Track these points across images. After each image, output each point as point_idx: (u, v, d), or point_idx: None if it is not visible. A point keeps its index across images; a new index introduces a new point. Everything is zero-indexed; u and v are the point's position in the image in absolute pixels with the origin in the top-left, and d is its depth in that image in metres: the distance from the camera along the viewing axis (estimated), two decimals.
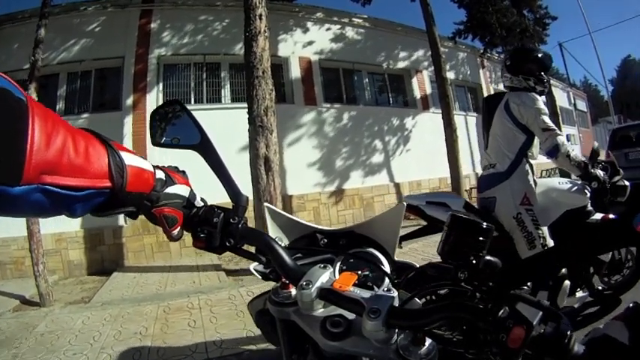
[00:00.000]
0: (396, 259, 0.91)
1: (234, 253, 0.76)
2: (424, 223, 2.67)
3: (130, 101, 7.91)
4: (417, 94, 12.23)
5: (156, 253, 7.53)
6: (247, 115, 5.86)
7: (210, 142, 0.78)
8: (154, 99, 8.09)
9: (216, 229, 0.73)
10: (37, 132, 0.45)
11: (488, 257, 0.62)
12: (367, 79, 11.57)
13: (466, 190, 10.92)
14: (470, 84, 15.18)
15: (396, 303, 0.59)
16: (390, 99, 12.01)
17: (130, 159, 0.62)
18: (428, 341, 0.56)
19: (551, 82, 16.72)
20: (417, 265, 0.86)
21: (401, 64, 12.19)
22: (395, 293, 0.59)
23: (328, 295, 0.61)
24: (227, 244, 0.74)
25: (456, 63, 14.60)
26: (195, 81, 8.92)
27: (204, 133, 0.78)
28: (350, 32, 11.33)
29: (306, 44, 10.30)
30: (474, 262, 0.60)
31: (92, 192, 0.55)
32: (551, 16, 16.37)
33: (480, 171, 11.46)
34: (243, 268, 6.10)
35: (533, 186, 2.61)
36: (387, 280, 0.80)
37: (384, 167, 10.75)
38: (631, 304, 0.58)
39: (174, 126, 0.81)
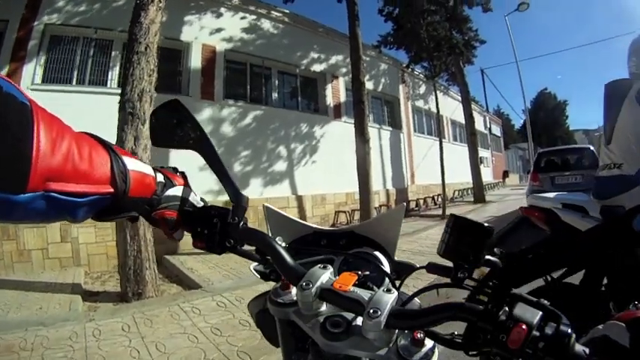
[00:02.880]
0: (396, 259, 0.92)
1: (234, 253, 0.78)
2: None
3: (4, 71, 6.70)
4: (331, 101, 12.05)
5: (16, 263, 6.54)
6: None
7: (209, 142, 0.79)
8: (31, 72, 7.07)
9: (215, 230, 0.75)
10: (43, 138, 0.47)
11: (488, 257, 0.62)
12: (277, 79, 11.12)
13: (375, 208, 10.80)
14: (388, 97, 15.40)
15: (396, 303, 0.59)
16: (300, 103, 11.68)
17: (132, 164, 0.64)
18: (428, 342, 0.58)
19: (471, 105, 17.49)
20: (417, 265, 0.85)
21: (317, 67, 11.94)
22: (395, 293, 0.59)
23: (328, 295, 0.62)
24: (227, 244, 0.76)
25: (376, 73, 14.71)
26: (80, 57, 7.86)
27: (203, 133, 0.79)
28: (266, 25, 10.86)
29: (213, 31, 9.59)
30: (475, 262, 0.60)
31: (96, 198, 0.57)
32: (480, 39, 17.08)
33: (390, 187, 11.39)
34: (107, 291, 5.46)
35: None
36: (387, 280, 0.79)
37: (286, 177, 10.33)
38: (631, 306, 0.60)
39: (173, 126, 0.81)
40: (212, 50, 9.42)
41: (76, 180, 0.52)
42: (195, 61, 9.10)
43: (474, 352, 0.56)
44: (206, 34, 9.42)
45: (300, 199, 10.37)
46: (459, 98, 18.73)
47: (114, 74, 8.10)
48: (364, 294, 0.59)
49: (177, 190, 0.77)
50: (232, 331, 3.57)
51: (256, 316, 0.86)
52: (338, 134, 11.52)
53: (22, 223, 0.52)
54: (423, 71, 17.10)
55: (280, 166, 10.26)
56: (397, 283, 0.81)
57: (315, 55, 11.95)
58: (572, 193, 2.64)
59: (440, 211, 12.18)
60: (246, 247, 0.79)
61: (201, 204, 0.81)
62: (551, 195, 2.52)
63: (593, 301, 2.19)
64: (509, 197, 18.30)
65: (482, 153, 23.86)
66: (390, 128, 15.07)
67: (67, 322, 3.97)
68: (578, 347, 0.49)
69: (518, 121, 59.40)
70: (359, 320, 0.59)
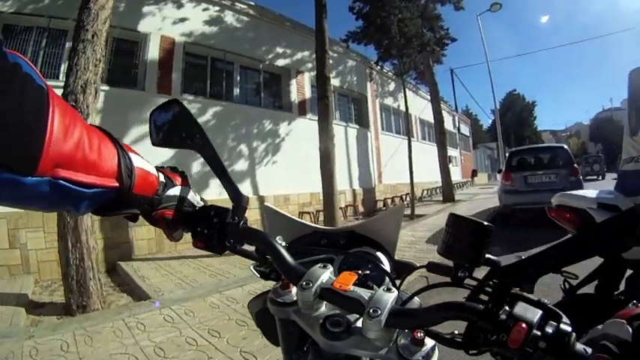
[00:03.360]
0: (396, 258, 0.94)
1: (234, 253, 0.79)
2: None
3: None
4: (295, 98, 11.85)
5: None
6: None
7: (209, 141, 0.80)
8: None
9: (215, 229, 0.76)
10: (57, 123, 0.47)
11: (488, 256, 0.61)
12: (239, 74, 10.82)
13: (341, 208, 10.67)
14: (355, 94, 15.36)
15: (397, 302, 0.60)
16: (263, 99, 11.43)
17: (138, 161, 0.66)
18: (428, 341, 0.58)
19: (440, 104, 17.61)
20: (417, 265, 0.85)
21: (281, 62, 11.72)
22: (395, 292, 0.60)
23: (328, 294, 0.62)
24: (227, 243, 0.77)
25: (343, 70, 14.62)
26: (32, 49, 7.39)
27: (202, 133, 0.80)
28: (230, 18, 10.56)
29: (173, 23, 9.21)
30: (475, 261, 0.60)
31: (101, 191, 0.57)
32: (451, 37, 17.15)
33: (357, 187, 11.16)
34: (54, 302, 5.10)
35: None
36: (387, 279, 0.82)
37: (247, 177, 10.07)
38: (631, 305, 0.66)
39: (173, 125, 0.84)
40: (171, 42, 9.04)
41: (85, 170, 0.53)
42: (153, 53, 8.70)
43: (475, 352, 0.56)
44: (165, 26, 9.04)
45: (261, 200, 10.07)
46: (428, 97, 18.88)
47: (66, 66, 7.68)
48: (364, 293, 0.60)
49: (177, 190, 0.78)
50: (177, 351, 3.32)
51: (256, 315, 0.86)
52: (302, 132, 11.32)
53: (22, 207, 0.53)
54: (391, 68, 17.11)
55: (241, 165, 9.98)
56: (397, 282, 0.81)
57: (281, 50, 11.72)
58: (604, 190, 2.48)
59: (408, 211, 12.10)
60: (246, 247, 0.80)
61: (201, 204, 0.82)
62: (590, 194, 2.36)
63: (608, 308, 2.06)
64: (479, 196, 18.55)
65: (451, 152, 24.15)
66: (357, 126, 15.04)
67: (6, 338, 3.66)
68: (579, 346, 0.49)
69: (486, 122, 60.83)
70: (359, 320, 0.60)
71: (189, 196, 0.79)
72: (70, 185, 0.51)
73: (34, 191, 0.46)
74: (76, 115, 0.52)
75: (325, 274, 0.64)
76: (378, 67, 16.39)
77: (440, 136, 17.36)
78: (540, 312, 0.50)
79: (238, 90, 10.72)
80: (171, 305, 4.46)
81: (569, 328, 0.49)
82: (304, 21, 12.39)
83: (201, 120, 9.02)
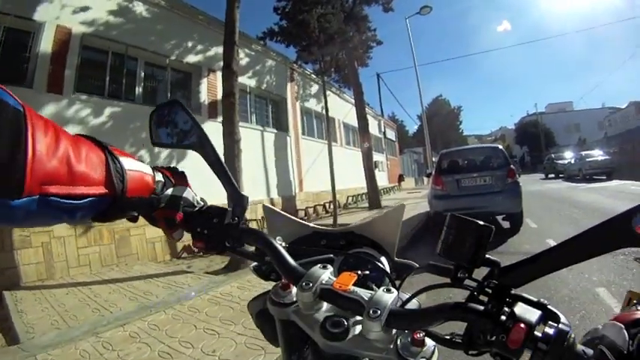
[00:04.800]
0: (395, 259, 0.95)
1: (233, 253, 0.82)
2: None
3: None
4: (205, 99, 11.54)
5: None
6: None
7: (209, 141, 0.84)
8: None
9: (215, 230, 0.80)
10: (37, 144, 0.49)
11: (488, 256, 0.62)
12: (144, 71, 10.35)
13: (256, 220, 10.53)
14: (273, 96, 15.24)
15: (397, 303, 0.63)
16: (170, 99, 10.80)
17: (129, 163, 0.68)
18: (428, 342, 0.60)
19: (366, 109, 17.84)
20: (417, 265, 0.89)
21: (192, 59, 11.41)
22: (395, 293, 0.63)
23: (328, 295, 0.65)
24: (227, 244, 0.80)
25: (261, 70, 14.45)
26: None
27: (202, 133, 0.85)
28: (138, 8, 10.08)
29: (74, 11, 8.57)
30: (474, 261, 0.61)
31: (93, 200, 0.59)
32: (377, 40, 17.50)
33: (276, 196, 10.96)
34: None
35: None
36: (387, 280, 0.83)
37: None
38: (631, 305, 0.70)
39: (173, 125, 0.88)
40: (67, 33, 8.39)
41: (73, 182, 0.55)
42: (46, 46, 8.03)
43: (474, 352, 0.58)
44: (64, 14, 8.37)
45: None
46: (353, 101, 19.02)
47: None
48: (364, 294, 0.62)
49: (176, 190, 0.80)
50: None
51: (256, 316, 0.86)
52: (212, 136, 10.67)
53: (24, 226, 0.62)
54: (313, 70, 17.18)
55: None
56: (397, 283, 0.84)
57: (192, 47, 11.42)
58: None
59: (331, 220, 12.08)
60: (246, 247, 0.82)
61: (201, 204, 0.85)
62: None
63: None
64: (407, 201, 18.91)
65: (377, 157, 24.76)
66: (275, 130, 14.98)
67: None
68: (579, 347, 0.51)
69: (412, 127, 63.30)
70: (359, 320, 0.61)
71: (189, 196, 0.82)
72: (61, 200, 0.53)
73: (25, 211, 0.49)
74: (59, 130, 0.54)
75: (325, 275, 0.67)
76: (299, 66, 16.42)
77: (363, 138, 17.57)
78: (540, 312, 0.53)
79: (141, 89, 10.24)
80: (37, 353, 3.73)
81: (568, 329, 0.51)
82: (220, 16, 12.13)
83: (97, 122, 8.77)
